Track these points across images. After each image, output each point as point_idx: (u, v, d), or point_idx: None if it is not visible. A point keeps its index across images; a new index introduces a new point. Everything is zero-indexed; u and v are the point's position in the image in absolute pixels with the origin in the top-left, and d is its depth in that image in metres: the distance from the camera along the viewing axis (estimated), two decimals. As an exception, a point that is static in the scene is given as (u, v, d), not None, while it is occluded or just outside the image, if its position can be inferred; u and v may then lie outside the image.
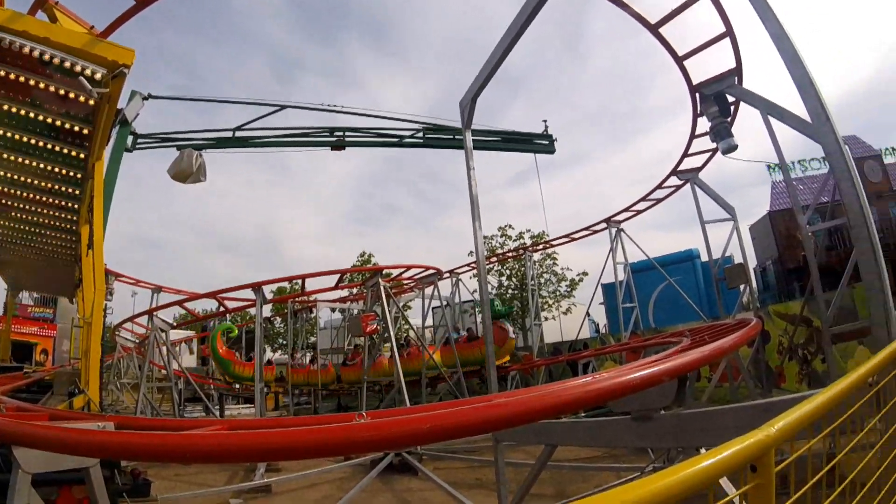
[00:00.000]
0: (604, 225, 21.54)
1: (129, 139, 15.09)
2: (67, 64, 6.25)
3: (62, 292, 20.17)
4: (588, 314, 26.98)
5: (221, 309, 18.75)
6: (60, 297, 25.23)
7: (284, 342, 36.15)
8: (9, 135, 7.88)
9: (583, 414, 10.15)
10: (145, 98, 14.31)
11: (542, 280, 33.53)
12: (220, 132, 16.47)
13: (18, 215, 11.03)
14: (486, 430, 2.50)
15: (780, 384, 13.91)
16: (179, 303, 19.20)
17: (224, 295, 16.25)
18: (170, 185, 15.23)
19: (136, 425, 4.39)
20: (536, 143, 18.41)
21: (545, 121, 18.82)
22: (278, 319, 35.22)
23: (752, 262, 30.20)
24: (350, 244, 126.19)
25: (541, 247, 30.17)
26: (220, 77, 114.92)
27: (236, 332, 24.99)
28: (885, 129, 78.21)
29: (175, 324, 21.89)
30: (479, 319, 29.34)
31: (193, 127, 19.23)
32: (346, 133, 17.20)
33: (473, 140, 10.52)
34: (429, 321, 24.37)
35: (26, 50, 6.02)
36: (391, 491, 10.05)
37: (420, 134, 17.43)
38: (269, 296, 15.56)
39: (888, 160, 33.04)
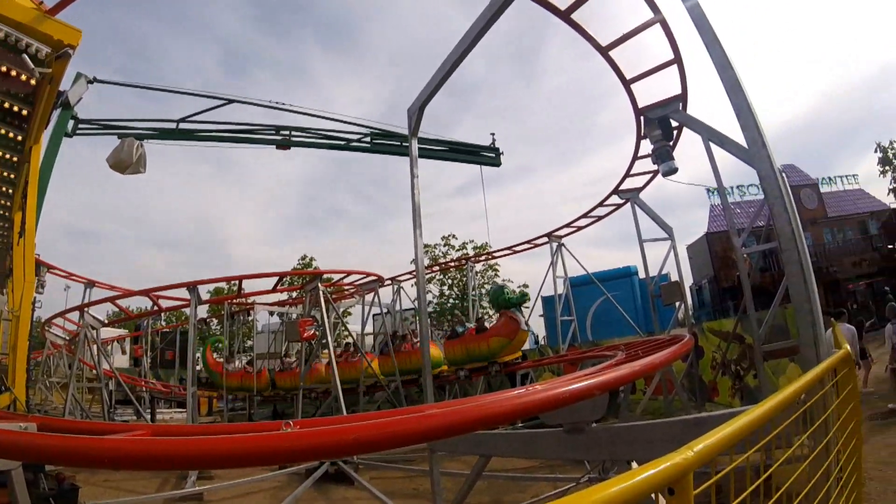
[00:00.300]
0: (545, 239, 22.03)
1: (70, 123, 14.41)
2: (12, 39, 5.98)
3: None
4: (527, 326, 27.35)
5: (155, 308, 18.16)
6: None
7: (220, 345, 35.44)
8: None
9: (520, 424, 10.25)
10: (90, 81, 13.70)
11: (483, 291, 33.94)
12: (163, 123, 15.99)
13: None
14: (415, 441, 2.48)
15: (713, 398, 14.36)
16: (112, 299, 18.46)
17: (158, 293, 15.76)
18: (109, 174, 14.62)
19: (59, 427, 4.20)
20: (483, 155, 18.50)
21: (493, 134, 18.97)
22: (214, 321, 34.40)
23: (689, 281, 31.36)
24: (293, 246, 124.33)
25: (483, 258, 30.55)
26: (172, 65, 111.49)
27: (225, 343, 24.24)
28: (825, 159, 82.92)
29: (107, 321, 21.06)
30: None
31: (141, 115, 18.52)
32: (293, 132, 16.94)
33: (420, 149, 10.49)
34: (368, 328, 24.16)
35: (-29, 22, 5.72)
36: (326, 500, 9.91)
37: (368, 138, 17.32)
38: (205, 296, 15.04)
39: (824, 189, 34.91)
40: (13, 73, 6.44)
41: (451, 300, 34.52)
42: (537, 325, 33.02)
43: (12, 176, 9.18)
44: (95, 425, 4.95)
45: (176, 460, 2.12)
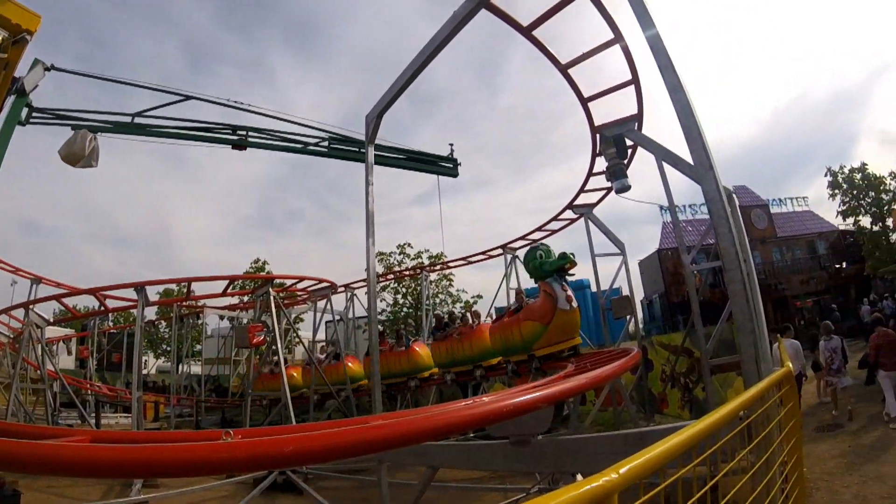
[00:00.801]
0: (500, 250, 22.18)
1: (24, 111, 13.96)
2: None
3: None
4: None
5: (102, 308, 17.64)
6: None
7: (169, 348, 34.74)
8: None
9: (472, 434, 10.24)
10: (47, 69, 13.27)
11: (438, 300, 33.81)
12: (118, 116, 15.61)
13: None
14: (357, 453, 2.48)
15: (663, 409, 14.64)
16: (57, 297, 17.75)
17: (105, 292, 15.29)
18: (61, 166, 14.25)
19: None
20: (441, 165, 18.39)
21: (451, 144, 18.98)
22: (163, 323, 33.65)
23: (640, 295, 31.95)
24: (250, 249, 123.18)
25: (438, 267, 30.54)
26: (132, 55, 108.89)
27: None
28: (778, 181, 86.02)
29: (52, 320, 20.34)
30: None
31: (97, 107, 18.01)
32: (250, 133, 16.74)
33: (378, 156, 10.46)
34: (320, 335, 23.84)
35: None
36: None
37: (325, 143, 17.19)
38: (155, 297, 14.64)
39: (775, 210, 36.20)
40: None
41: (404, 309, 34.41)
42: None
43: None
44: (34, 429, 4.81)
45: (112, 468, 2.09)
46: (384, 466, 5.60)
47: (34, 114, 14.73)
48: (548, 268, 12.12)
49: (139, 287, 13.68)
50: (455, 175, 18.46)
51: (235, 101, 16.01)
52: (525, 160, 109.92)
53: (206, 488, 10.52)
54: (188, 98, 15.49)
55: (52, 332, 25.93)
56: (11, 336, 23.03)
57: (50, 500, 9.68)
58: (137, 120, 15.53)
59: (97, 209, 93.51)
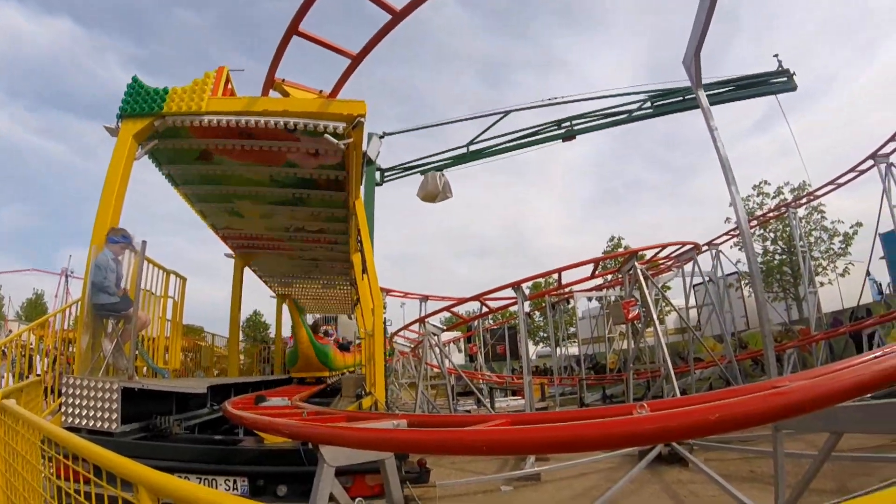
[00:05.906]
0: (870, 162, 17.69)
1: (377, 175, 17.02)
2: (311, 127, 7.32)
3: (340, 310, 22.84)
4: (868, 273, 22.19)
5: (485, 310, 20.04)
6: (340, 314, 29.01)
7: (545, 335, 38.17)
8: (281, 193, 9.70)
9: (868, 396, 8.72)
10: (381, 137, 15.98)
11: (812, 239, 28.57)
12: (455, 150, 17.73)
13: (301, 255, 13.36)
14: (776, 419, 2.42)
15: None
16: (448, 308, 21.41)
17: (487, 297, 16.93)
18: (417, 205, 17.01)
19: (425, 422, 4.46)
20: (773, 82, 16.54)
21: (776, 55, 16.82)
22: (537, 314, 36.30)
23: None
24: (597, 228, 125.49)
25: (804, 200, 25.80)
26: (440, 99, 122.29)
27: None
28: None
29: (444, 327, 23.78)
30: (745, 294, 26.59)
31: (425, 149, 20.92)
32: (574, 121, 17.23)
33: (707, 96, 9.65)
34: (691, 301, 22.48)
35: (271, 124, 7.23)
36: (660, 482, 9.68)
37: (647, 104, 16.76)
38: (527, 292, 15.69)
39: None
40: (321, 151, 8.04)
41: (776, 256, 29.98)
42: (880, 270, 27.02)
43: (345, 228, 11.29)
44: (456, 418, 5.50)
45: (542, 445, 2.36)
46: (780, 435, 5.13)
47: (385, 173, 17.86)
48: None
49: (517, 286, 14.67)
50: (793, 88, 16.41)
51: (550, 99, 16.77)
52: (859, 37, 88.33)
53: (592, 461, 10.84)
54: (507, 113, 16.76)
55: (444, 336, 30.84)
56: (411, 346, 27.87)
57: (453, 475, 10.56)
58: (472, 148, 17.43)
59: (455, 231, 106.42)
